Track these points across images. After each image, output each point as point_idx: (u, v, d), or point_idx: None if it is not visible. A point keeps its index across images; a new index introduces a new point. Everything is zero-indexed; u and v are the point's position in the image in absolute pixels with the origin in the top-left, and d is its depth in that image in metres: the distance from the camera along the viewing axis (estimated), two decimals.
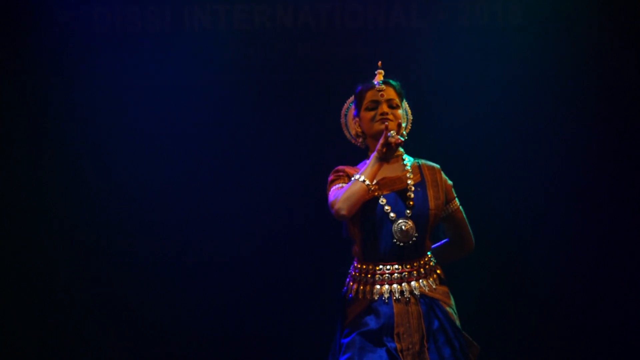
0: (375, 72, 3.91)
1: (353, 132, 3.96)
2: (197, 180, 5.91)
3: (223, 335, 5.86)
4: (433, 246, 3.94)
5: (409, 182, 3.82)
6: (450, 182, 3.93)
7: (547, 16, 5.86)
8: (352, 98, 3.97)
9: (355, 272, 3.84)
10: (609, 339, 5.82)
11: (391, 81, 3.91)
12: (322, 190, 5.74)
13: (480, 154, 5.81)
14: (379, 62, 3.92)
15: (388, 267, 3.77)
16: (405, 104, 3.95)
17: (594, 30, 5.83)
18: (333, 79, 5.81)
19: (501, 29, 5.89)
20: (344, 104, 4.00)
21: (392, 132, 3.70)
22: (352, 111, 3.95)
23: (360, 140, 3.94)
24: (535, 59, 5.86)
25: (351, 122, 3.96)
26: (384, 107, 3.83)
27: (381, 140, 3.71)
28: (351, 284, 3.85)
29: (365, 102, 3.87)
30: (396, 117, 3.82)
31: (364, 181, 3.68)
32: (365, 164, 3.86)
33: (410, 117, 3.97)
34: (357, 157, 3.99)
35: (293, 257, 5.88)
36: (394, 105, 3.85)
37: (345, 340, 3.77)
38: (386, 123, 3.73)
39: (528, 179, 5.86)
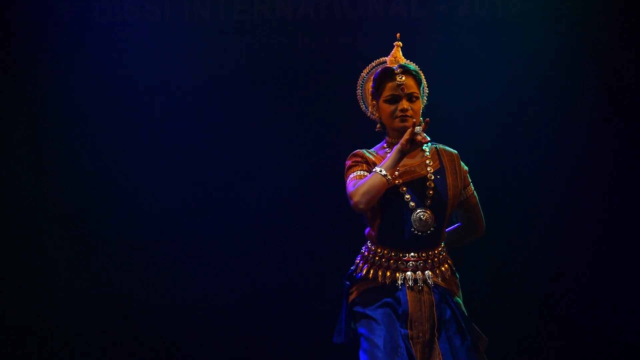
0: (394, 44, 3.86)
1: (370, 109, 3.87)
2: (196, 178, 5.89)
3: (223, 335, 5.86)
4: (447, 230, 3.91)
5: (428, 169, 3.78)
6: (466, 168, 3.89)
7: (546, 6, 5.82)
8: (367, 69, 3.89)
9: (369, 254, 3.79)
10: (609, 339, 5.85)
11: (410, 67, 3.81)
12: (322, 189, 5.80)
13: (479, 148, 5.77)
14: (397, 34, 3.86)
15: (403, 254, 3.74)
16: (424, 82, 3.85)
17: (594, 21, 5.83)
18: (333, 69, 5.80)
19: (501, 18, 5.86)
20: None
21: (418, 128, 3.63)
22: (370, 87, 3.85)
23: (378, 126, 3.85)
24: (535, 50, 5.84)
25: (368, 96, 3.87)
26: (404, 104, 3.73)
27: (406, 136, 3.62)
28: (361, 264, 3.80)
29: (385, 94, 3.77)
30: (416, 112, 3.74)
31: (385, 175, 3.62)
32: (383, 147, 3.82)
33: (426, 90, 3.88)
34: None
35: (293, 257, 5.87)
36: (414, 98, 3.76)
37: (359, 309, 3.75)
38: (413, 120, 3.67)
39: (527, 177, 5.86)
